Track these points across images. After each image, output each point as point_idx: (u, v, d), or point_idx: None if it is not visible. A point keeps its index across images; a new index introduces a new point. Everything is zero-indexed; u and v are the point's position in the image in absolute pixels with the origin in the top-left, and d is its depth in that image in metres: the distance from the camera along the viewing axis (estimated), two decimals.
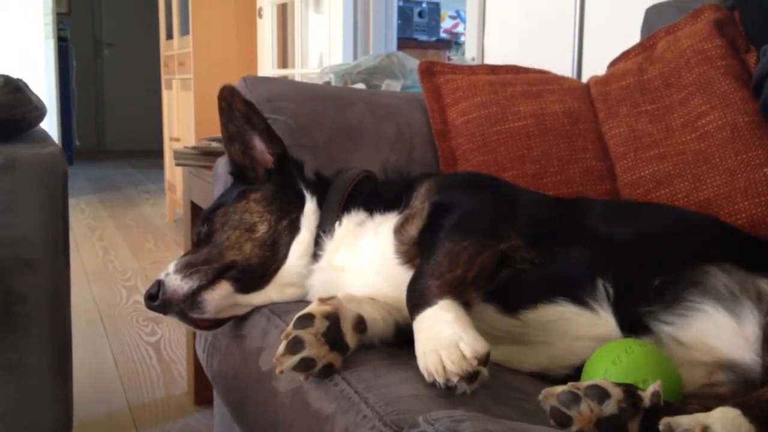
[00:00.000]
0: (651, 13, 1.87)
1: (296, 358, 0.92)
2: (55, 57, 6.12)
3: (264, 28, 4.75)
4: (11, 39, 5.75)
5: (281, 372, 0.92)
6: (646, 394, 0.80)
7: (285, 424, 1.02)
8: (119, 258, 4.31)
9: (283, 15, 4.85)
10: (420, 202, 1.15)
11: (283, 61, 4.86)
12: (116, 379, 2.57)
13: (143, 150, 9.54)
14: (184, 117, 4.99)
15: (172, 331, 3.02)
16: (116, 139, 10.58)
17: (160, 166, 5.94)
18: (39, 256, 1.53)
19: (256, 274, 1.20)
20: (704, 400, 0.88)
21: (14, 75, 1.56)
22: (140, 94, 10.06)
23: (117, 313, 3.29)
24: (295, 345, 0.92)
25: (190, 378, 2.41)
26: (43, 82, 5.69)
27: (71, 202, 1.62)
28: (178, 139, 5.04)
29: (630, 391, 0.80)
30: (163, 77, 5.72)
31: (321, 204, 1.24)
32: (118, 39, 10.48)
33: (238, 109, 1.28)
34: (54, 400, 1.59)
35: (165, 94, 5.65)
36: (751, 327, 0.94)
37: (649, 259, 1.05)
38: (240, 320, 1.23)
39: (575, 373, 0.99)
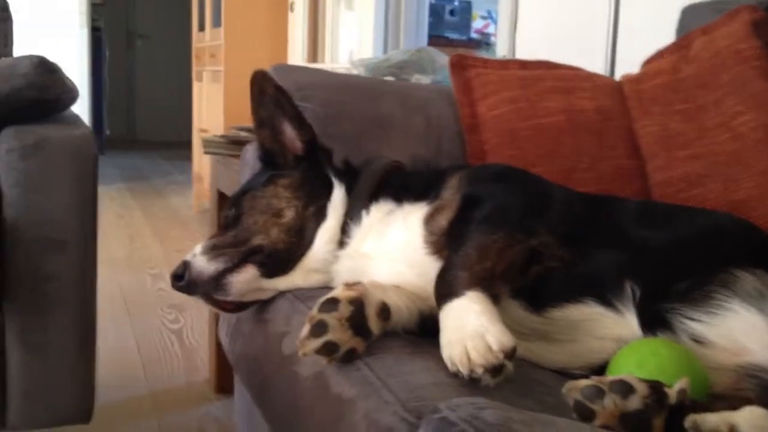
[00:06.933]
0: (686, 14, 1.85)
1: (320, 341, 0.92)
2: (89, 46, 6.19)
3: (295, 22, 4.77)
4: (46, 27, 5.82)
5: (304, 355, 0.92)
6: (672, 391, 0.79)
7: (306, 408, 1.02)
8: (145, 246, 4.35)
9: (315, 10, 4.87)
10: (451, 193, 1.15)
11: (314, 55, 4.88)
12: (138, 365, 2.59)
13: (172, 141, 9.59)
14: (214, 109, 5.02)
15: (195, 319, 3.04)
16: (146, 130, 10.66)
17: (188, 158, 5.98)
18: (67, 236, 1.54)
19: (282, 258, 1.20)
20: (731, 401, 0.87)
21: None
22: (171, 85, 10.13)
23: (141, 300, 3.31)
24: (319, 328, 0.92)
25: (211, 366, 2.43)
26: (76, 71, 5.75)
27: (100, 189, 1.64)
28: (206, 131, 5.06)
29: (655, 387, 0.79)
30: (194, 69, 5.75)
31: (349, 192, 1.24)
32: (151, 30, 10.56)
33: (270, 95, 1.28)
34: (77, 382, 1.60)
35: (195, 85, 5.69)
36: None
37: (679, 264, 1.03)
38: (264, 304, 1.23)
39: (597, 372, 0.97)
